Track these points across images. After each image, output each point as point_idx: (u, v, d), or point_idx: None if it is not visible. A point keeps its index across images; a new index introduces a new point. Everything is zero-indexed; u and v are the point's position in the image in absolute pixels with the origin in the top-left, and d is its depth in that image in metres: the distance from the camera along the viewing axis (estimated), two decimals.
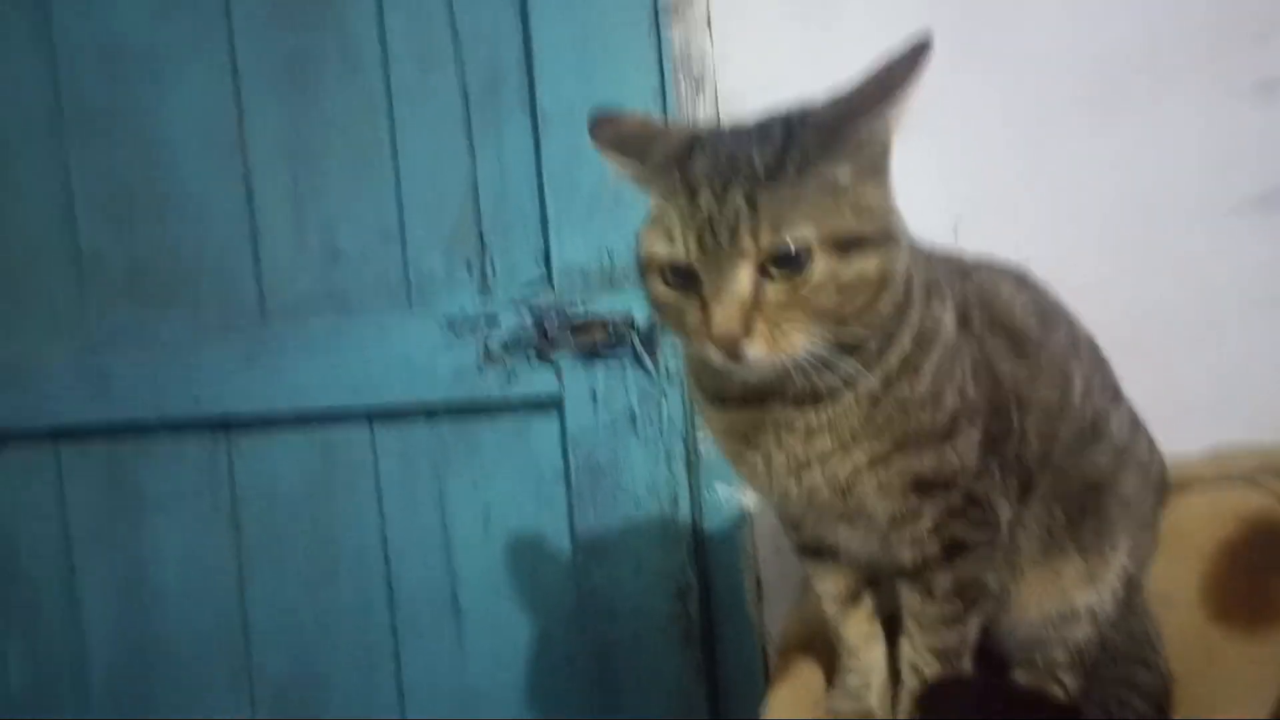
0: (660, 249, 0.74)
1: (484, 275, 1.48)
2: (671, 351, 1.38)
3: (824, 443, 0.79)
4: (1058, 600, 0.87)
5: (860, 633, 0.91)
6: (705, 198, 0.71)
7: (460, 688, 1.54)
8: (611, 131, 0.81)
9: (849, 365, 0.73)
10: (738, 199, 0.70)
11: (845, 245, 0.71)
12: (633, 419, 1.40)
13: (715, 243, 0.70)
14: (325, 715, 1.57)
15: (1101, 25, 1.27)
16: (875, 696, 0.90)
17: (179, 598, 1.61)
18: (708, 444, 1.39)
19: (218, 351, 1.54)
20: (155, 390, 1.56)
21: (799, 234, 0.69)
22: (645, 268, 0.77)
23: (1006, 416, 0.83)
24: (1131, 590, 0.90)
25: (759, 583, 1.41)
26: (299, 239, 1.55)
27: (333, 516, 1.57)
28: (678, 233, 0.72)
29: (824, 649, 0.98)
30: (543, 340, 1.42)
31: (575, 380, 1.42)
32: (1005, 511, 0.84)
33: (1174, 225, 1.27)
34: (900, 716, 0.87)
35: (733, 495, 1.40)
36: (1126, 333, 1.22)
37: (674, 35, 1.37)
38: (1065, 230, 1.30)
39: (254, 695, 1.60)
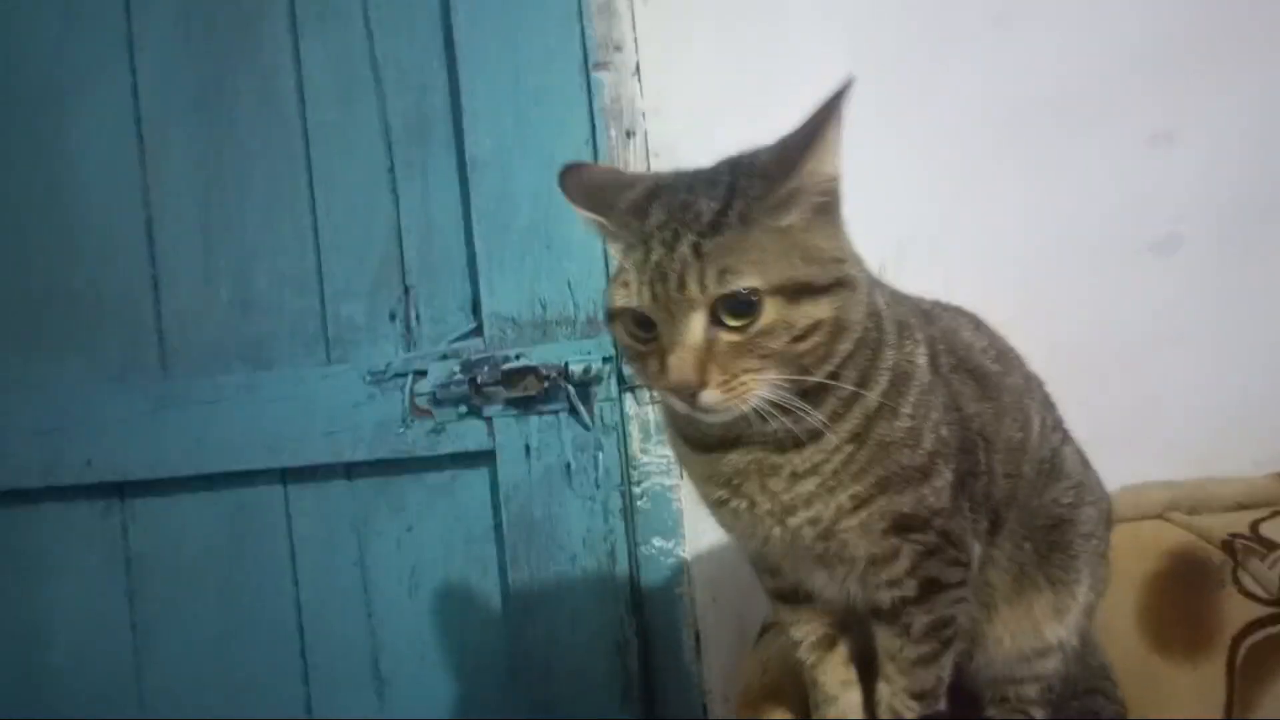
0: (619, 299, 0.75)
1: (408, 325, 1.43)
2: (607, 402, 1.36)
3: (809, 486, 0.78)
4: (1030, 635, 0.89)
5: (837, 679, 0.91)
6: (656, 249, 0.72)
7: None
8: (579, 182, 0.81)
9: (811, 412, 0.74)
10: (685, 250, 0.71)
11: (795, 292, 0.72)
12: (568, 471, 1.37)
13: (666, 292, 0.71)
14: None
15: (1016, 78, 1.34)
16: None
17: (70, 670, 1.48)
18: (646, 496, 1.37)
19: (115, 406, 1.44)
20: (45, 450, 1.44)
21: (746, 282, 0.71)
22: (610, 318, 0.78)
23: (975, 456, 0.85)
24: (1088, 620, 0.92)
25: (698, 636, 1.38)
26: (208, 284, 1.46)
27: (241, 582, 1.47)
28: (634, 282, 0.73)
29: (792, 698, 0.97)
30: (473, 392, 1.37)
31: (508, 433, 1.38)
32: (976, 549, 0.85)
33: (1083, 267, 1.34)
34: None
35: (671, 547, 1.38)
36: (1042, 370, 1.29)
37: (604, 85, 1.37)
38: (985, 270, 1.35)
39: None
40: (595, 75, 1.37)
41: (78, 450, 1.44)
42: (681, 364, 0.71)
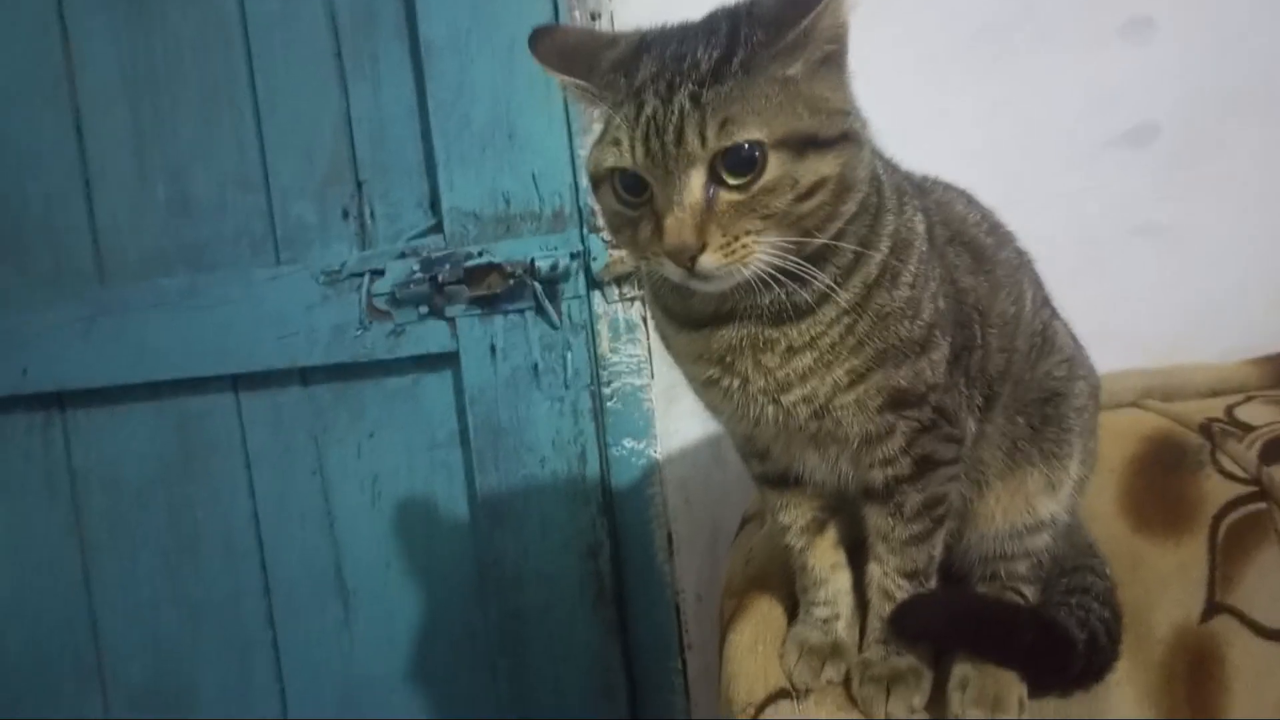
0: (608, 158, 0.69)
1: (363, 223, 1.36)
2: (575, 300, 1.32)
3: (805, 360, 0.75)
4: (1023, 511, 0.88)
5: (826, 562, 0.89)
6: (650, 101, 0.67)
7: (349, 676, 1.42)
8: (553, 45, 0.75)
9: (818, 275, 0.70)
10: (683, 100, 0.66)
11: (800, 145, 0.67)
12: (536, 373, 1.33)
13: (662, 147, 0.66)
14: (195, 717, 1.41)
15: None
16: (843, 625, 0.87)
17: (12, 597, 1.41)
18: (616, 396, 1.33)
19: (49, 317, 1.35)
20: None
21: (749, 134, 0.66)
22: (596, 181, 0.72)
23: (970, 329, 0.82)
24: (1079, 495, 0.92)
25: (670, 537, 1.37)
26: (142, 187, 1.37)
27: (194, 495, 1.41)
28: (625, 140, 0.68)
29: (778, 585, 0.95)
30: (434, 292, 1.31)
31: (471, 334, 1.33)
32: (971, 425, 0.83)
33: (1054, 162, 1.32)
34: (870, 641, 0.85)
35: (642, 448, 1.35)
36: None
37: None
38: (959, 170, 1.31)
39: (108, 703, 1.42)
40: None
41: (12, 359, 1.36)
42: (680, 225, 0.66)
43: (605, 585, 1.35)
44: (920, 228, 0.78)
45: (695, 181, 0.66)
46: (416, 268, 1.32)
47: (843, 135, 0.70)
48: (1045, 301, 0.93)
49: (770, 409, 0.77)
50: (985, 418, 0.85)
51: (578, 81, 0.72)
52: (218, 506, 1.41)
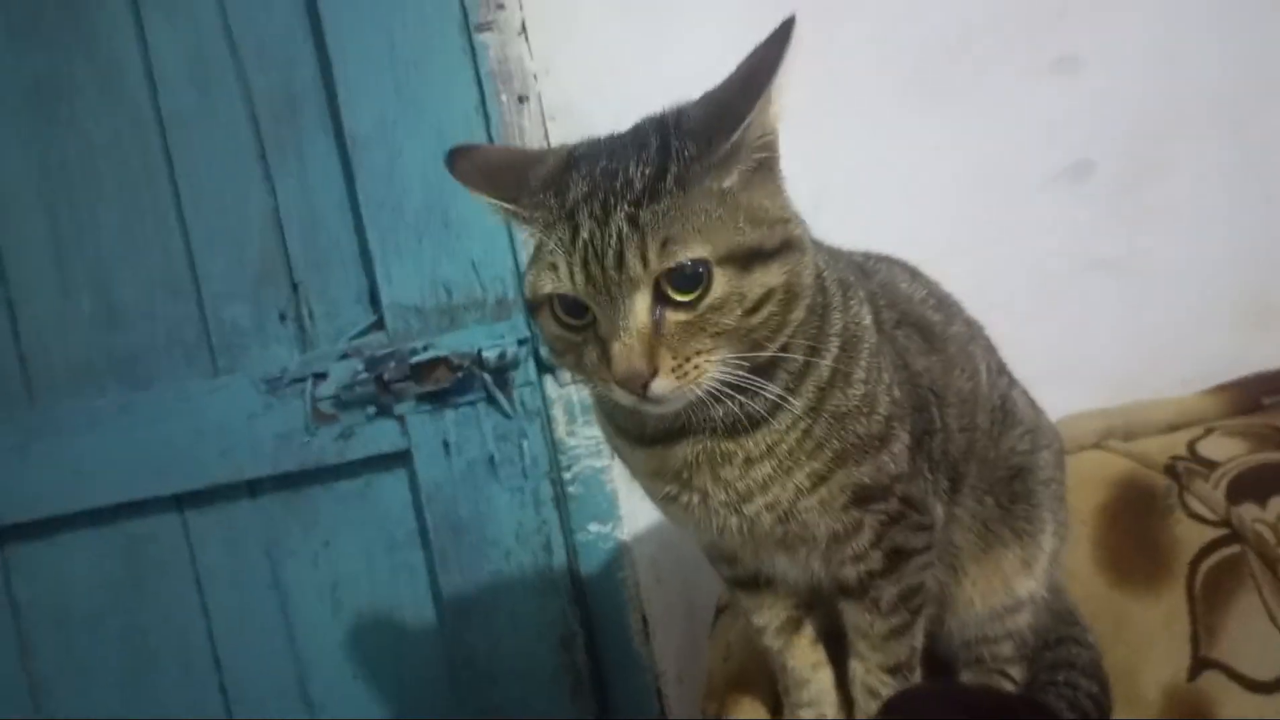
0: (545, 283, 0.66)
1: (301, 324, 1.32)
2: (527, 386, 1.28)
3: (764, 469, 0.72)
4: (1000, 592, 0.86)
5: (806, 662, 0.86)
6: (585, 223, 0.64)
7: None
8: (473, 165, 0.73)
9: (769, 387, 0.68)
10: (619, 222, 0.63)
11: (745, 259, 0.65)
12: (492, 464, 1.29)
13: (603, 271, 0.63)
14: None
15: (913, 19, 1.29)
16: None
17: None
18: (577, 480, 1.29)
19: None
20: None
21: (692, 252, 0.63)
22: (534, 308, 0.69)
23: (928, 412, 0.80)
24: (1055, 569, 0.90)
25: (645, 619, 1.33)
26: (66, 299, 1.32)
27: (146, 622, 1.35)
28: (562, 264, 0.65)
29: (760, 684, 0.92)
30: (381, 391, 1.27)
31: (423, 431, 1.29)
32: (939, 510, 0.81)
33: (998, 200, 1.31)
34: None
35: (608, 531, 1.31)
36: (967, 308, 1.26)
37: (489, 47, 1.26)
38: (901, 213, 1.31)
39: None
40: (479, 37, 1.27)
41: None
42: (628, 352, 0.63)
43: (582, 675, 1.31)
44: (867, 320, 0.76)
45: (640, 305, 0.64)
46: (361, 368, 1.27)
47: (785, 244, 0.68)
48: (1000, 370, 0.91)
49: (733, 520, 0.75)
50: (953, 501, 0.83)
51: (504, 204, 0.69)
52: (172, 629, 1.35)
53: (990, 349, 0.92)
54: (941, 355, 0.83)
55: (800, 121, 1.22)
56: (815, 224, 1.29)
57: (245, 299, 1.32)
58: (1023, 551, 0.85)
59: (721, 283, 0.64)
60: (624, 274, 0.63)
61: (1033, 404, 0.94)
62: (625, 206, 0.63)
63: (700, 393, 0.66)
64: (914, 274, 0.90)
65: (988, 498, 0.85)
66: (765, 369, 0.69)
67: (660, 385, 0.64)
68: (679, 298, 0.64)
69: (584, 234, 0.64)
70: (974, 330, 0.91)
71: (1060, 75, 1.30)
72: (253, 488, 1.32)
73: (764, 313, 0.66)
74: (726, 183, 0.66)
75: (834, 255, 0.80)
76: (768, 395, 0.69)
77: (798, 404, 0.71)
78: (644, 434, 0.75)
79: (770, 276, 0.66)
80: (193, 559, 1.34)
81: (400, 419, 1.28)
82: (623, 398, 0.66)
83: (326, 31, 1.26)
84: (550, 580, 1.30)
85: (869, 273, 0.84)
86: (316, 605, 1.34)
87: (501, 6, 1.26)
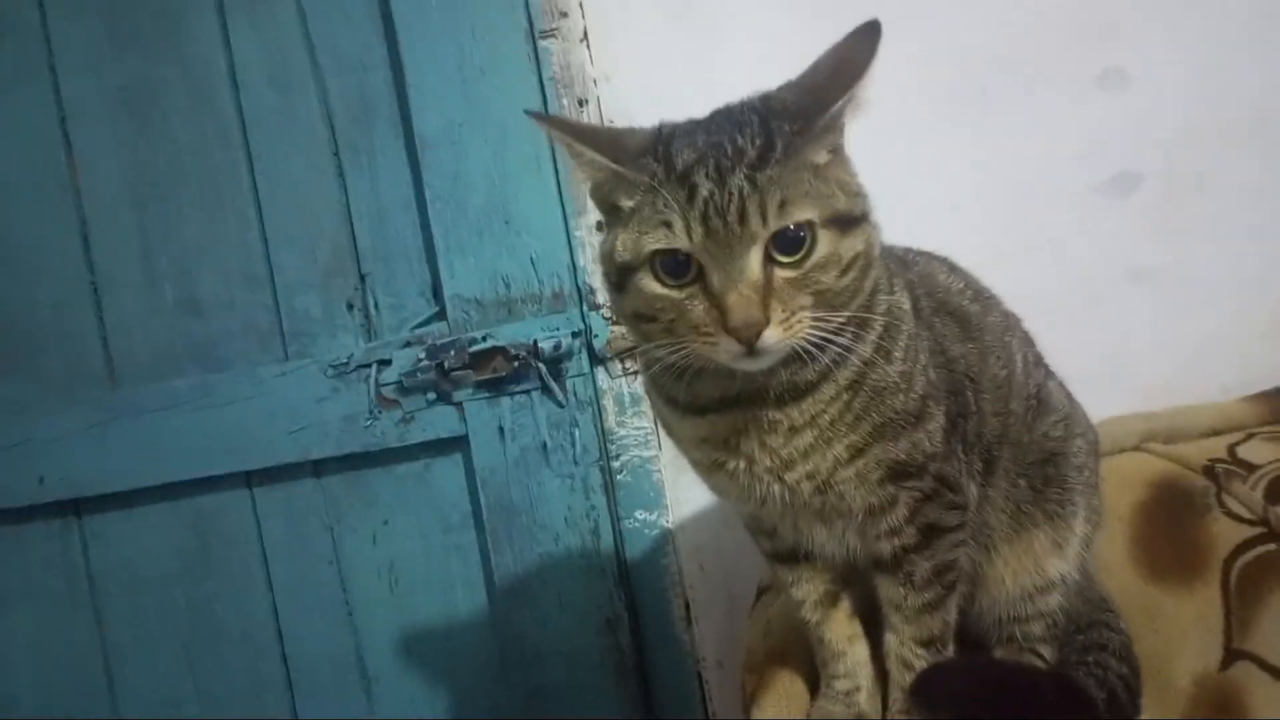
0: (654, 241, 0.70)
1: (368, 314, 1.39)
2: (580, 377, 1.34)
3: (806, 438, 0.77)
4: (1032, 572, 0.89)
5: (842, 634, 0.90)
6: (703, 184, 0.69)
7: None
8: (570, 125, 0.78)
9: (841, 345, 0.73)
10: (740, 183, 0.68)
11: (841, 224, 0.71)
12: (545, 451, 1.34)
13: (725, 227, 0.68)
14: None
15: (962, 32, 1.33)
16: (865, 696, 0.88)
17: (39, 702, 1.41)
18: (626, 469, 1.34)
19: (64, 421, 1.37)
20: None
21: (804, 214, 0.69)
22: (628, 269, 0.72)
23: (964, 397, 0.84)
24: (1087, 553, 0.93)
25: (688, 605, 1.37)
26: (151, 287, 1.40)
27: (213, 593, 1.42)
28: (678, 222, 0.69)
29: (799, 657, 0.96)
30: (441, 378, 1.34)
31: (480, 417, 1.35)
32: (972, 490, 0.85)
33: (1041, 209, 1.35)
34: (893, 712, 0.86)
35: (654, 518, 1.36)
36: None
37: (552, 53, 1.33)
38: (945, 223, 1.34)
39: None
40: (542, 44, 1.33)
41: (28, 469, 1.37)
42: (746, 302, 0.67)
43: (626, 658, 1.36)
44: (906, 304, 0.81)
45: (755, 259, 0.69)
46: (422, 356, 1.34)
47: (864, 214, 0.74)
48: (1037, 361, 0.95)
49: (775, 487, 0.79)
50: (987, 482, 0.86)
51: (610, 162, 0.73)
52: (237, 601, 1.42)
53: (1028, 341, 0.96)
54: (977, 343, 0.87)
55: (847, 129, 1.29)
56: None
57: (316, 290, 1.39)
58: (1054, 533, 0.89)
59: (824, 244, 0.70)
60: (745, 229, 0.68)
61: (1069, 396, 0.98)
62: (743, 169, 0.69)
63: (796, 347, 0.70)
64: (952, 267, 0.94)
65: (1021, 480, 0.89)
66: (834, 336, 0.73)
67: (771, 335, 0.68)
68: (785, 259, 0.69)
69: (703, 192, 0.68)
70: (1011, 322, 0.94)
71: (1105, 89, 1.33)
72: (317, 468, 1.39)
73: (850, 276, 0.72)
74: (819, 158, 0.73)
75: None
76: (819, 362, 0.73)
77: (843, 374, 0.76)
78: (695, 403, 0.79)
79: (857, 242, 0.72)
80: (259, 533, 1.41)
81: (458, 405, 1.35)
82: (728, 351, 0.69)
83: (400, 39, 1.33)
84: (597, 565, 1.35)
85: (908, 264, 0.89)
86: (374, 582, 1.41)
87: (565, 15, 1.33)
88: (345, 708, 1.41)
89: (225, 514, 1.41)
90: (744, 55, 1.31)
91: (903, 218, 1.30)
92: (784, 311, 0.69)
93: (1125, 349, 1.34)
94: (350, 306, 1.39)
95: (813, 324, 0.70)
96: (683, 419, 0.81)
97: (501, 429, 1.35)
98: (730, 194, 0.68)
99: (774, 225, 0.68)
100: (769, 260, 0.69)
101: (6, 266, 1.39)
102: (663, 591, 1.36)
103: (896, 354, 0.78)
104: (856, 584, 0.90)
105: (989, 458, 0.86)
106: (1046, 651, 0.90)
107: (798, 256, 0.69)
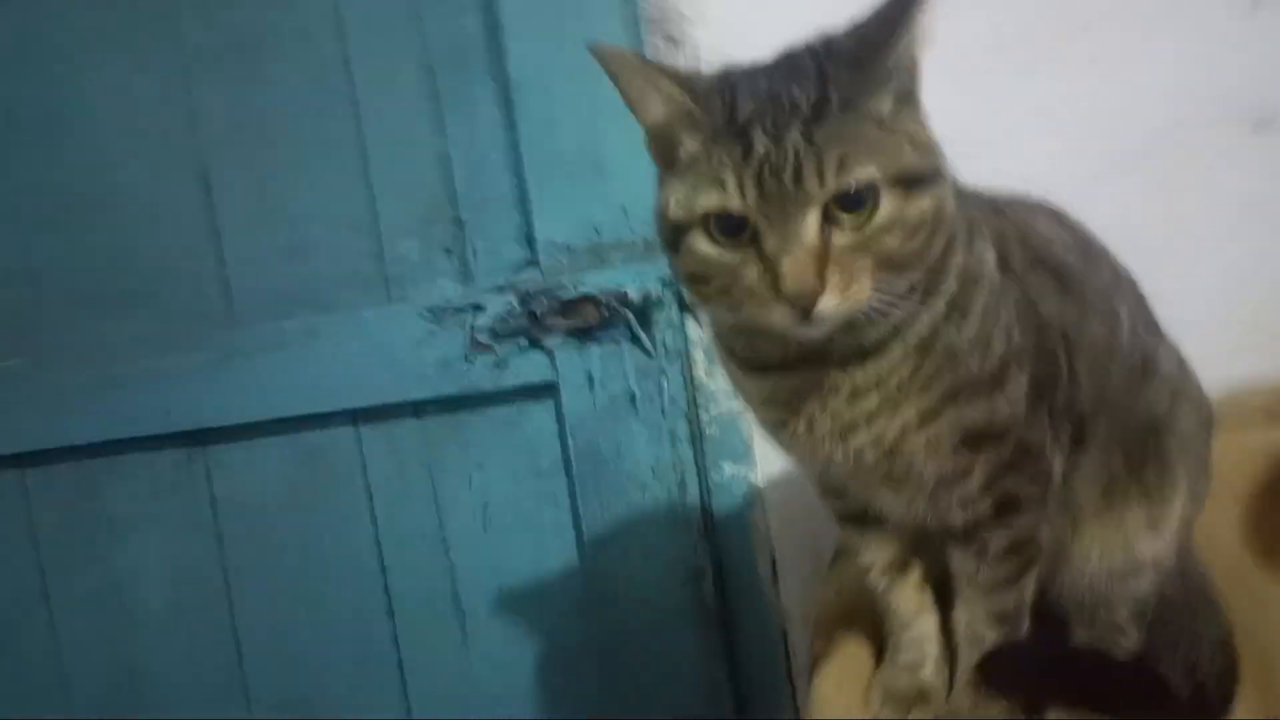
0: (707, 199, 0.66)
1: (464, 260, 1.41)
2: (669, 327, 1.32)
3: (870, 402, 0.73)
4: (1121, 551, 0.83)
5: (911, 604, 0.86)
6: (759, 139, 0.64)
7: (468, 693, 1.46)
8: (636, 56, 0.73)
9: (908, 309, 0.68)
10: (796, 139, 0.64)
11: (908, 183, 0.66)
12: (633, 401, 1.34)
13: (779, 187, 0.64)
14: None
15: None
16: (931, 670, 0.85)
17: (163, 619, 1.52)
18: (714, 422, 1.33)
19: (185, 360, 1.45)
20: (121, 406, 1.46)
21: (866, 173, 0.64)
22: (681, 227, 0.69)
23: (1055, 359, 0.78)
24: (1186, 535, 0.86)
25: (774, 561, 1.35)
26: (264, 233, 1.45)
27: (321, 524, 1.48)
28: (731, 180, 0.65)
29: (867, 623, 0.93)
30: (533, 324, 1.34)
31: (569, 364, 1.35)
32: (1058, 461, 0.79)
33: (1178, 146, 1.23)
34: (959, 689, 0.82)
35: (742, 473, 1.34)
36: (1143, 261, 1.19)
37: None
38: (1070, 158, 1.24)
39: (250, 712, 1.52)
40: None
41: (156, 401, 1.46)
42: (801, 268, 0.63)
43: (710, 610, 1.35)
44: (990, 259, 0.75)
45: (812, 222, 0.64)
46: (515, 302, 1.35)
47: (936, 171, 0.69)
48: (1148, 324, 0.87)
49: (838, 452, 0.76)
50: (1078, 452, 0.80)
51: (684, 97, 0.68)
52: (343, 533, 1.48)
53: (1140, 302, 0.88)
54: (1077, 301, 0.80)
55: (952, 60, 1.20)
56: (961, 162, 1.26)
57: (415, 235, 1.42)
58: (1150, 511, 0.82)
59: (888, 205, 0.65)
60: (801, 189, 0.64)
61: (1182, 364, 0.89)
62: (798, 125, 0.64)
63: (856, 313, 0.67)
64: (1059, 219, 0.87)
65: (1117, 450, 0.82)
66: (900, 297, 0.69)
67: (827, 303, 0.64)
68: (846, 221, 0.65)
69: (759, 149, 0.64)
70: (1122, 281, 0.87)
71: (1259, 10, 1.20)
72: (417, 409, 1.43)
73: (918, 239, 0.67)
74: (883, 107, 0.67)
75: (961, 194, 0.78)
76: (885, 324, 0.69)
77: (911, 336, 0.71)
78: (758, 361, 0.76)
79: (926, 202, 0.67)
80: (364, 470, 1.46)
81: (549, 352, 1.35)
82: (782, 319, 0.66)
83: None
84: (683, 516, 1.35)
85: (1004, 212, 0.82)
86: (469, 522, 1.45)
87: None
88: (442, 640, 1.47)
89: (333, 450, 1.47)
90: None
91: (1016, 156, 1.23)
92: (842, 278, 0.64)
93: (1251, 303, 1.22)
94: (448, 252, 1.41)
95: (875, 289, 0.66)
96: (746, 377, 0.79)
97: (590, 377, 1.35)
98: (786, 152, 0.64)
99: (832, 186, 0.64)
100: (828, 221, 0.65)
101: (134, 209, 1.47)
102: (748, 546, 1.35)
103: (973, 314, 0.73)
104: (928, 552, 0.86)
105: (1081, 425, 0.80)
106: (1131, 635, 0.84)
107: (860, 218, 0.65)
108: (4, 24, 1.44)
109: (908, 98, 0.69)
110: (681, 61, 1.31)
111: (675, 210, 0.69)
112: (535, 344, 1.36)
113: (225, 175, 1.46)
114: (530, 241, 1.37)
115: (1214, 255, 1.23)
